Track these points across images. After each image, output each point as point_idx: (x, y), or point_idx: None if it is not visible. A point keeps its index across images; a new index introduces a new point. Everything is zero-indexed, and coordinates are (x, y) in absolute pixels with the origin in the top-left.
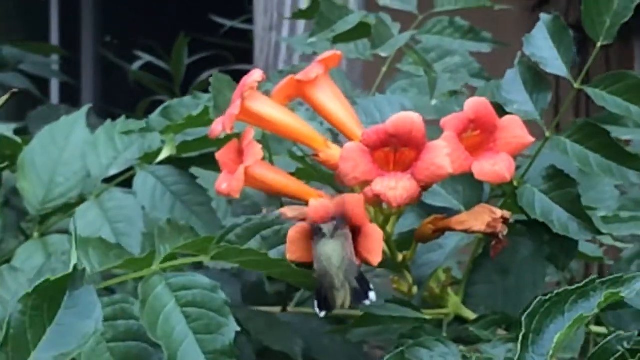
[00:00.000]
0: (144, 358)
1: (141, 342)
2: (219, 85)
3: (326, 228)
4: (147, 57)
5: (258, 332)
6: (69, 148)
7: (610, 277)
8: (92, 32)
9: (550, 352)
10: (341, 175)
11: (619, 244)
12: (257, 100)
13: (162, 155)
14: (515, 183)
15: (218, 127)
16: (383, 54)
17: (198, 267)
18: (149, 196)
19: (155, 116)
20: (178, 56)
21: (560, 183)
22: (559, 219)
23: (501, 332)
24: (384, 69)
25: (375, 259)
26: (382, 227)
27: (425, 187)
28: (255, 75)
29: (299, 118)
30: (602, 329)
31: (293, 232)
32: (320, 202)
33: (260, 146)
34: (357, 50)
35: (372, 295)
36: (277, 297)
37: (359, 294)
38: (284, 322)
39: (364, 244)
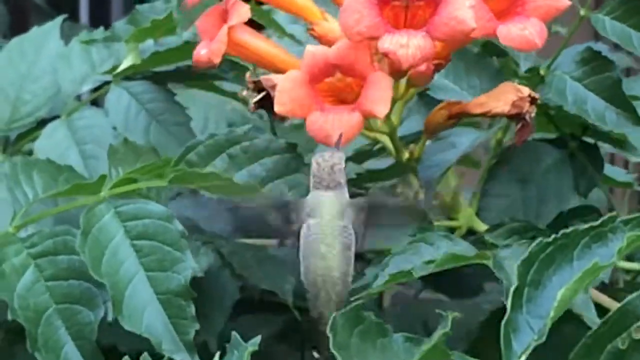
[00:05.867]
0: (87, 299)
1: (84, 281)
2: None
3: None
4: None
5: (243, 267)
6: (39, 62)
7: (635, 215)
8: None
9: (551, 314)
10: (343, 30)
11: None
12: None
13: (124, 65)
14: (542, 72)
15: None
16: None
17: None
18: (122, 115)
19: (121, 23)
20: None
21: (597, 67)
22: (595, 107)
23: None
24: None
25: (382, 109)
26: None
27: (438, 65)
28: None
29: None
30: (633, 265)
31: (287, 81)
32: (318, 47)
33: (248, 7)
34: None
35: None
36: None
37: None
38: (275, 257)
39: (368, 94)
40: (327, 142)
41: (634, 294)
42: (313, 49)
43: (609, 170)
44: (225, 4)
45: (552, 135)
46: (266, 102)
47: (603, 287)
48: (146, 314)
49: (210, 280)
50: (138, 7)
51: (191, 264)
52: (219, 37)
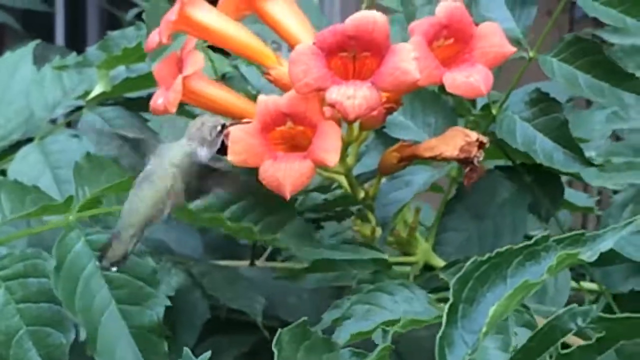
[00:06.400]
0: (57, 322)
1: (54, 303)
2: (155, 11)
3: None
4: (143, 4)
5: (214, 288)
6: (12, 86)
7: (568, 234)
8: None
9: (484, 329)
10: (291, 82)
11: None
12: (199, 7)
13: (95, 92)
14: (494, 111)
15: (154, 38)
16: None
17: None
18: (95, 140)
19: (93, 49)
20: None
21: (545, 108)
22: (543, 147)
23: None
24: (363, 5)
25: (332, 158)
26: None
27: (389, 109)
28: None
29: (247, 30)
30: (594, 286)
31: (238, 131)
32: (270, 98)
33: (202, 55)
34: None
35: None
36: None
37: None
38: (246, 277)
39: (319, 143)
40: (279, 191)
41: (563, 310)
42: (265, 100)
43: (570, 195)
44: (180, 53)
45: (508, 163)
46: (222, 150)
47: None
48: (119, 349)
49: (181, 301)
50: (109, 33)
51: (164, 301)
52: (175, 87)
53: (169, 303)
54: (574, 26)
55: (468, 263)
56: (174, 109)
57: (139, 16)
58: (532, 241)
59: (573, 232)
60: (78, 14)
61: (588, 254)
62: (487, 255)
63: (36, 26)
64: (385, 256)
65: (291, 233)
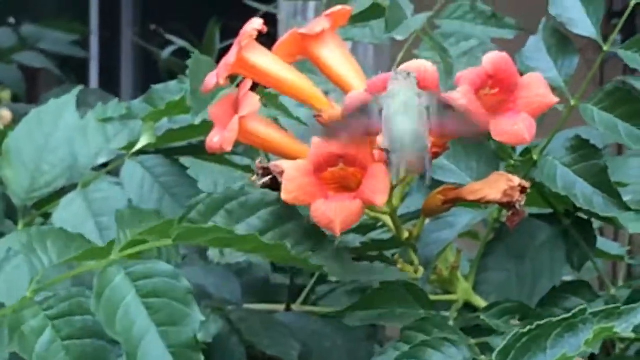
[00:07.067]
0: (101, 356)
1: (97, 339)
2: (197, 67)
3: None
4: (179, 42)
5: (251, 334)
6: (56, 134)
7: (605, 307)
8: (132, 16)
9: None
10: None
11: None
12: (256, 51)
13: (140, 144)
14: (535, 157)
15: (212, 80)
16: (398, 37)
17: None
18: (136, 188)
19: (138, 102)
20: (210, 41)
21: (585, 155)
22: (583, 192)
23: (515, 322)
24: (400, 54)
25: (381, 198)
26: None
27: (436, 153)
28: (255, 23)
29: (301, 74)
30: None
31: (293, 170)
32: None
33: (257, 97)
34: (372, 34)
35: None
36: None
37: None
38: (281, 323)
39: (368, 184)
40: (330, 228)
41: None
42: (319, 142)
43: (601, 243)
44: (237, 94)
45: (547, 210)
46: (273, 185)
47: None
48: None
49: (219, 347)
50: (153, 87)
51: (198, 317)
52: (231, 126)
53: (203, 318)
54: (604, 68)
55: (510, 336)
56: (229, 147)
57: (174, 54)
58: (570, 314)
59: (609, 306)
60: (112, 58)
61: (623, 327)
62: (527, 328)
63: (71, 68)
64: (426, 294)
65: (324, 255)
